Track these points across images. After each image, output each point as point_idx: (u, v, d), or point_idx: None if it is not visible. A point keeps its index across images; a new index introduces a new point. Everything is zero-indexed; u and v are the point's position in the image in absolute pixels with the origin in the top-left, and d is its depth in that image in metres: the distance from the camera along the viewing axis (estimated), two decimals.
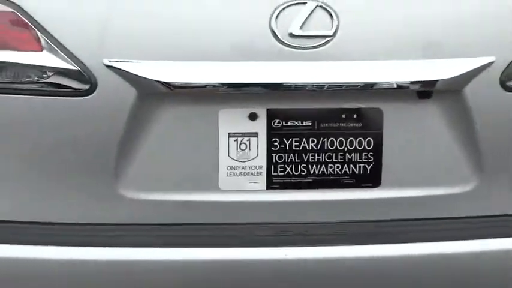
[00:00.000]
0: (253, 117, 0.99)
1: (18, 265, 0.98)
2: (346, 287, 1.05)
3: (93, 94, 0.95)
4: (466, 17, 1.00)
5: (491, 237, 1.04)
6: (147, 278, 0.99)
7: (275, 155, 1.00)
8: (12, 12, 0.96)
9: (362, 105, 1.00)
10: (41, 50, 0.95)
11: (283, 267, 0.99)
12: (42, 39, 0.95)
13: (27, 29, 0.95)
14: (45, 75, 0.97)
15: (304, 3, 0.92)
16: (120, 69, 0.93)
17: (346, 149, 1.00)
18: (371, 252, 1.00)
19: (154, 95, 0.96)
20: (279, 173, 1.00)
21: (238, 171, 1.00)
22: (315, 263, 0.99)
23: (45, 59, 0.96)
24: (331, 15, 0.92)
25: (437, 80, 0.95)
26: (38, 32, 0.95)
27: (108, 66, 0.94)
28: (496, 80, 0.97)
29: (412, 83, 0.97)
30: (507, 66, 0.97)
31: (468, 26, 0.99)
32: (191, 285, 1.01)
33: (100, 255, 0.97)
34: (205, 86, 0.95)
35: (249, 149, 0.99)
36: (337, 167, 1.01)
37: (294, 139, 0.99)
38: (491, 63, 0.96)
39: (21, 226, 1.01)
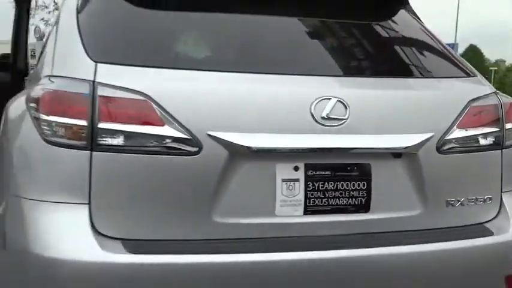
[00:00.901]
0: (296, 169, 1.50)
1: (156, 268, 1.38)
2: (354, 273, 1.53)
3: (199, 154, 1.41)
4: (418, 109, 1.63)
5: (430, 242, 1.59)
6: (233, 273, 1.42)
7: (309, 193, 1.51)
8: (144, 100, 1.41)
9: (359, 162, 1.56)
10: (163, 125, 1.40)
11: (315, 263, 1.47)
12: (164, 118, 1.39)
13: (154, 111, 1.40)
14: (165, 142, 1.40)
15: (330, 98, 1.48)
16: (218, 137, 1.40)
17: (350, 188, 1.54)
18: (365, 252, 1.51)
19: (238, 154, 1.44)
20: (311, 204, 1.51)
21: (287, 203, 1.49)
22: (334, 260, 1.49)
23: (166, 131, 1.40)
24: (345, 106, 1.49)
25: (402, 147, 1.56)
26: (161, 112, 1.39)
27: (210, 136, 1.41)
28: (434, 147, 1.58)
29: (387, 148, 1.57)
30: (439, 139, 1.60)
31: (420, 115, 1.62)
32: (260, 276, 1.46)
33: (202, 259, 1.40)
34: (269, 149, 1.47)
35: (294, 189, 1.50)
36: (345, 200, 1.54)
37: (320, 183, 1.51)
38: (432, 137, 1.57)
39: (154, 242, 1.42)
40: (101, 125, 1.38)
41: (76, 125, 1.39)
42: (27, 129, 1.48)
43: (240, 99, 1.49)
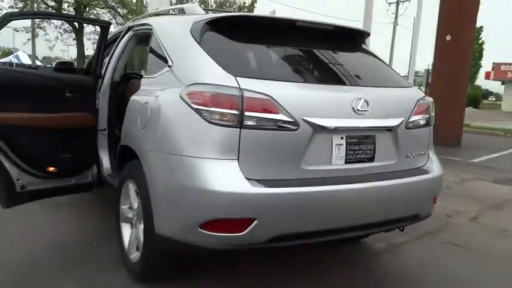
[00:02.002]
0: (342, 138, 2.55)
1: (278, 195, 2.30)
2: (368, 195, 2.61)
3: (298, 130, 2.38)
4: (397, 104, 2.79)
5: (401, 178, 2.75)
6: (313, 196, 2.41)
7: (347, 151, 2.57)
8: (268, 99, 2.33)
9: (371, 134, 2.67)
10: (278, 113, 2.33)
11: (351, 190, 2.51)
12: (279, 109, 2.32)
13: (274, 105, 2.32)
14: (279, 123, 2.32)
15: (360, 98, 2.56)
16: (308, 121, 2.39)
17: (366, 148, 2.63)
18: (374, 184, 2.60)
19: (316, 130, 2.44)
20: (348, 158, 2.57)
21: (337, 157, 2.53)
22: (360, 188, 2.54)
23: (280, 117, 2.33)
24: (367, 103, 2.58)
25: (392, 126, 2.71)
26: (277, 105, 2.32)
27: (304, 120, 2.39)
28: (403, 126, 2.77)
29: (385, 126, 2.70)
30: (406, 121, 2.78)
31: (398, 108, 2.78)
32: (328, 200, 2.45)
33: (297, 190, 2.35)
34: (331, 127, 2.48)
35: (340, 150, 2.55)
36: (363, 155, 2.63)
37: (352, 145, 2.58)
38: (403, 120, 2.76)
39: (274, 181, 2.33)
40: (246, 113, 2.27)
41: (231, 113, 2.27)
42: (191, 115, 2.32)
43: (317, 98, 2.50)
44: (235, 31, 2.71)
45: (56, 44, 26.92)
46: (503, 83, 38.23)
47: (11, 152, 3.18)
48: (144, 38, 3.42)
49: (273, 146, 2.36)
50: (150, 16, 3.75)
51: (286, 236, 2.40)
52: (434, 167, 2.99)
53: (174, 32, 2.91)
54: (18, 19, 3.48)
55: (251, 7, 21.71)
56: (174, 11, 3.72)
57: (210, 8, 20.78)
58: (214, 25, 2.70)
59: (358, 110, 2.54)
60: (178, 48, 2.73)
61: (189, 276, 2.99)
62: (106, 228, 3.71)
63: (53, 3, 23.90)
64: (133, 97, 3.03)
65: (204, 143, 2.31)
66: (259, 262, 3.24)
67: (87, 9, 24.54)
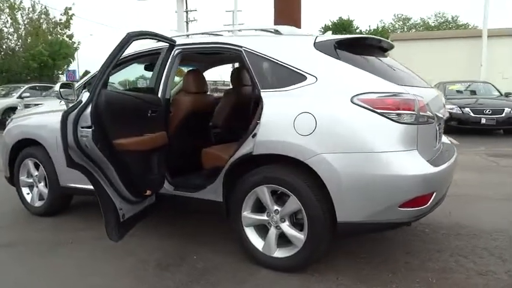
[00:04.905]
0: (437, 125, 3.17)
1: (438, 172, 2.87)
2: (451, 167, 3.23)
3: (434, 122, 2.91)
4: (439, 99, 3.58)
5: (453, 153, 3.58)
6: (447, 169, 2.97)
7: (437, 134, 3.23)
8: (424, 100, 2.81)
9: (440, 121, 3.37)
10: (427, 112, 2.81)
11: (451, 164, 3.14)
12: (428, 108, 2.80)
13: (426, 105, 2.80)
14: (427, 118, 2.77)
15: (442, 95, 3.26)
16: (437, 114, 2.96)
17: (439, 132, 3.33)
18: (453, 158, 3.28)
19: (437, 120, 3.02)
20: (437, 139, 3.24)
21: (438, 140, 3.19)
22: (452, 163, 3.18)
23: (428, 113, 2.78)
24: (443, 99, 3.30)
25: (445, 116, 3.48)
26: (427, 105, 2.80)
27: (435, 114, 2.93)
28: (446, 116, 3.59)
29: (443, 116, 3.44)
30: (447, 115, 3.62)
31: (441, 102, 3.56)
32: (447, 171, 3.01)
33: (446, 165, 2.91)
34: (442, 118, 3.11)
35: (437, 133, 3.18)
36: (438, 137, 3.32)
37: (438, 130, 3.25)
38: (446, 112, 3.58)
39: (430, 161, 2.86)
40: (420, 113, 2.70)
41: (413, 114, 2.66)
42: (375, 118, 2.60)
43: (433, 97, 3.09)
44: (354, 49, 3.04)
45: None
46: None
47: (119, 180, 2.75)
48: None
49: (426, 135, 2.86)
50: (207, 35, 3.61)
51: (437, 203, 2.92)
52: (449, 141, 3.90)
53: (295, 52, 3.01)
54: (139, 39, 2.88)
55: (67, 23, 19.62)
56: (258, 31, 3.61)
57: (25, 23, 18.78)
58: (341, 44, 2.97)
59: (443, 104, 3.23)
60: (316, 65, 2.87)
61: None
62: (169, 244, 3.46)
63: None
64: (270, 110, 2.91)
65: (393, 139, 2.62)
66: None
67: None
